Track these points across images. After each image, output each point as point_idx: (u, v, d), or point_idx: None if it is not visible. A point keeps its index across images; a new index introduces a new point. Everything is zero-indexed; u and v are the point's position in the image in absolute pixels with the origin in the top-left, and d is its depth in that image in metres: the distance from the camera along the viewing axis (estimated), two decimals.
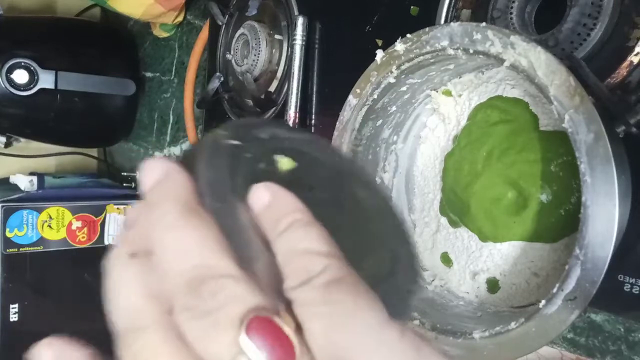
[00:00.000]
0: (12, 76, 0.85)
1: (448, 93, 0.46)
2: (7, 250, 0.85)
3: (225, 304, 0.17)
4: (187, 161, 0.23)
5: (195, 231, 0.19)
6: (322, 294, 0.18)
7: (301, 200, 0.22)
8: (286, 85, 0.61)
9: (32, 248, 0.87)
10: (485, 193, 0.43)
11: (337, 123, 0.46)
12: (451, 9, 0.48)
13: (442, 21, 0.48)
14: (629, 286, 0.37)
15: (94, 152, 1.16)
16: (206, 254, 0.18)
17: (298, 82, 0.59)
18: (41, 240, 0.88)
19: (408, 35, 0.40)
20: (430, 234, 0.48)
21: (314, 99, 0.61)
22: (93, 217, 0.87)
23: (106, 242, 0.89)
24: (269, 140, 0.25)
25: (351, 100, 0.45)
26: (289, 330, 0.17)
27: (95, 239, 0.88)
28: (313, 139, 0.27)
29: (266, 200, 0.21)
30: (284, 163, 0.25)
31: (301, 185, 0.24)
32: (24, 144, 1.08)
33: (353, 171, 0.26)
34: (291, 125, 0.27)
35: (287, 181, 0.24)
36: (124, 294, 0.19)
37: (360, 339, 0.17)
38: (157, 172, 0.21)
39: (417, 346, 0.18)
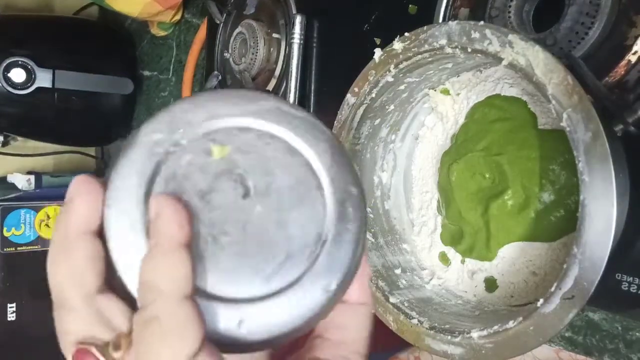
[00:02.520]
0: (9, 75, 0.84)
1: (446, 92, 0.46)
2: (5, 250, 0.85)
3: (61, 334, 0.22)
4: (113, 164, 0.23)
5: (56, 264, 0.22)
6: (139, 331, 0.20)
7: (221, 195, 0.23)
8: (284, 84, 0.61)
9: (29, 247, 0.87)
10: None
11: (335, 122, 0.46)
12: (449, 7, 0.48)
13: (440, 20, 0.48)
14: (627, 285, 0.37)
15: (91, 151, 1.16)
16: (57, 286, 0.22)
17: (296, 81, 0.59)
18: (39, 240, 0.88)
19: (406, 34, 0.40)
20: (429, 232, 0.48)
21: (312, 97, 0.61)
22: None
23: None
24: (202, 125, 0.24)
25: (349, 99, 0.44)
26: None
27: None
28: (261, 110, 0.25)
29: (152, 215, 0.22)
30: (216, 151, 0.24)
31: (231, 173, 0.23)
32: (21, 143, 1.08)
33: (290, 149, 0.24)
34: (248, 95, 0.25)
35: (217, 171, 0.23)
36: None
37: None
38: (70, 190, 0.23)
39: None
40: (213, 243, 0.22)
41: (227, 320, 0.22)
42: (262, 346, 0.23)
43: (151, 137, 0.23)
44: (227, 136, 0.24)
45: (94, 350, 0.21)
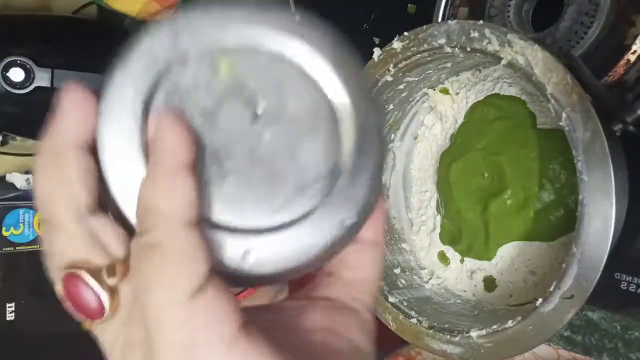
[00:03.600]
0: (7, 74, 0.84)
1: (445, 91, 0.46)
2: (4, 249, 0.85)
3: (50, 256, 0.20)
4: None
5: (46, 177, 0.19)
6: (137, 258, 0.18)
7: (230, 117, 0.20)
8: None
9: (28, 247, 0.87)
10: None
11: None
12: (448, 7, 0.48)
13: (440, 19, 0.48)
14: (626, 284, 0.37)
15: None
16: (46, 201, 0.19)
17: None
18: (38, 239, 0.88)
19: (405, 34, 0.40)
20: (428, 232, 0.48)
21: None
22: None
23: None
24: (210, 36, 0.21)
25: None
26: (98, 288, 0.18)
27: None
28: (279, 24, 0.22)
29: (152, 131, 0.19)
30: (224, 68, 0.21)
31: (239, 93, 0.21)
32: (20, 143, 1.08)
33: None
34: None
35: (224, 89, 0.21)
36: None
37: (155, 313, 0.17)
38: (61, 99, 0.21)
39: (210, 320, 0.17)
40: (217, 168, 0.20)
41: (231, 251, 0.20)
42: (268, 280, 0.21)
43: (152, 45, 0.21)
44: (237, 52, 0.21)
45: (86, 275, 0.19)
